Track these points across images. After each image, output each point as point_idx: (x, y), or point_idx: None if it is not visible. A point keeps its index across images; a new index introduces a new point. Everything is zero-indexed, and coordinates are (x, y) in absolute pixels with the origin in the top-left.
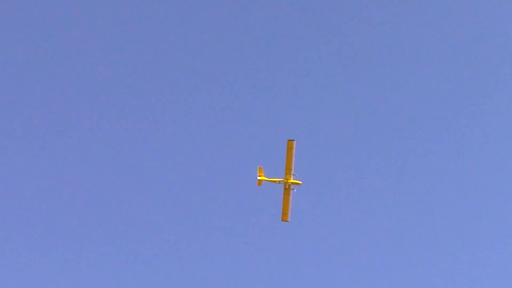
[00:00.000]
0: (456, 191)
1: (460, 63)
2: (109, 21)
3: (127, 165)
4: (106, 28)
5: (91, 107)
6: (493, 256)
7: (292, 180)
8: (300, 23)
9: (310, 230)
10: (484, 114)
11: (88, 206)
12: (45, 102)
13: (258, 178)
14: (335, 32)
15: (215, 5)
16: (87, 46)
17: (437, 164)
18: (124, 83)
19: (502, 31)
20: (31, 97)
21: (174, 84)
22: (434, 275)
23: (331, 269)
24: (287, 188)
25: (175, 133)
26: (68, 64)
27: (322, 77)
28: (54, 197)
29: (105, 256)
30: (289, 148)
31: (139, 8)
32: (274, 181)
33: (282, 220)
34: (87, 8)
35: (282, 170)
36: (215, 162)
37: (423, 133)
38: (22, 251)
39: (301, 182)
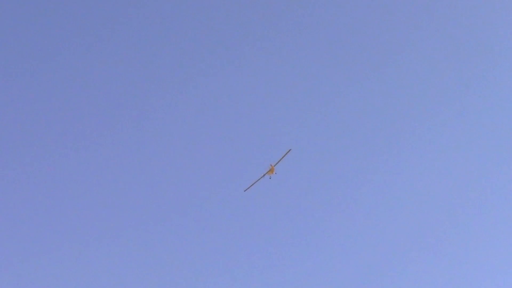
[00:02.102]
0: (454, 189)
1: (458, 63)
2: (109, 21)
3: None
4: (105, 28)
5: (91, 107)
6: (493, 256)
7: (271, 172)
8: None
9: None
10: (484, 113)
11: (87, 206)
12: (45, 102)
13: (272, 165)
14: (335, 32)
15: (217, 6)
16: (87, 46)
17: (435, 163)
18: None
19: (502, 31)
20: (31, 97)
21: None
22: (426, 271)
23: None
24: (265, 174)
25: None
26: (68, 64)
27: (321, 77)
28: (53, 197)
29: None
30: (286, 153)
31: (138, 8)
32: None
33: (244, 190)
34: (87, 8)
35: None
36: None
37: (421, 132)
38: (22, 251)
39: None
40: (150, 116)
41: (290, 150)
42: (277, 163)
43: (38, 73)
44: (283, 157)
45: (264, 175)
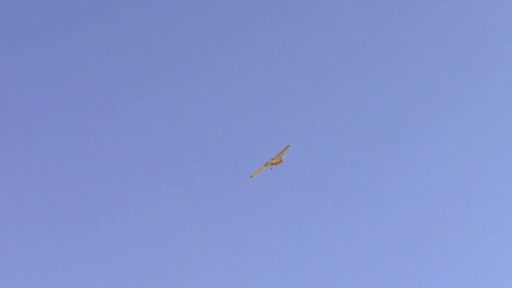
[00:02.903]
0: (453, 189)
1: (457, 63)
2: (109, 21)
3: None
4: (105, 28)
5: (90, 107)
6: (493, 256)
7: (271, 163)
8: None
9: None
10: (482, 113)
11: (86, 206)
12: (45, 102)
13: (273, 158)
14: (334, 32)
15: (215, 5)
16: (87, 46)
17: (433, 162)
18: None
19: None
20: (31, 96)
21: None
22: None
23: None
24: (266, 164)
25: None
26: (67, 64)
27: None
28: (52, 197)
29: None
30: (285, 149)
31: (138, 8)
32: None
33: (251, 176)
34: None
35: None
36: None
37: (419, 132)
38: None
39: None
40: (161, 106)
41: (288, 146)
42: (276, 157)
43: (36, 72)
44: (281, 152)
45: (266, 164)
